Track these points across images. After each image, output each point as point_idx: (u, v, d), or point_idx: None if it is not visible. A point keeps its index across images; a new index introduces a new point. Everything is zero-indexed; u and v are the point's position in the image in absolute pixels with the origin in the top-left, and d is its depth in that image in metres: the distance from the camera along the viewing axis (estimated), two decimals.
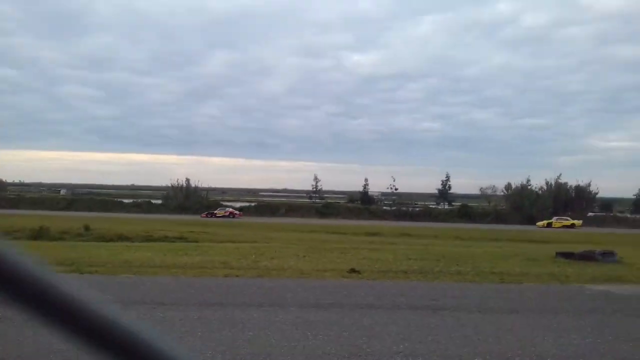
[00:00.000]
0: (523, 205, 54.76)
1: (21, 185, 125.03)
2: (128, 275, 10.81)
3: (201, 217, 50.67)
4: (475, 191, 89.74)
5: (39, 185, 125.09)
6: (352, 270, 12.12)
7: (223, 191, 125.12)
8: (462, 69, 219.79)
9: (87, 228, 25.95)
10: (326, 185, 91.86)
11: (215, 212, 53.10)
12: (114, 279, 10.29)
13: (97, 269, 11.27)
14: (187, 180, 64.40)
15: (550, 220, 51.28)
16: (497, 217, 54.77)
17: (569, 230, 43.43)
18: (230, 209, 54.73)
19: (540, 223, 51.29)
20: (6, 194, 77.41)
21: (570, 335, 7.07)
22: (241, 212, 55.90)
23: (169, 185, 65.30)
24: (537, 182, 62.80)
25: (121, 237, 23.11)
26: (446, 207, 72.45)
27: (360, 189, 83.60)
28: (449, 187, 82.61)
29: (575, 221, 51.08)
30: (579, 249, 17.16)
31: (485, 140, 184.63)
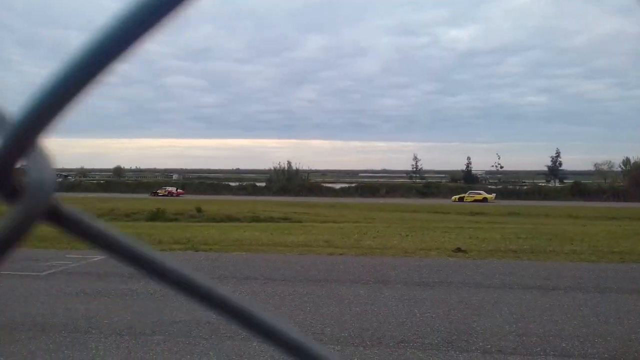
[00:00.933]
0: None
1: (137, 171, 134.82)
2: (240, 252, 11.34)
3: (149, 195, 53.38)
4: (588, 167, 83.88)
5: (153, 171, 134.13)
6: (458, 250, 11.86)
7: (323, 173, 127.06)
8: (567, 39, 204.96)
9: (198, 210, 27.50)
10: (426, 164, 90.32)
11: (157, 191, 55.91)
12: (226, 256, 10.84)
13: (211, 247, 11.92)
14: (289, 163, 66.20)
15: (462, 195, 51.23)
16: (615, 194, 50.96)
17: None
18: (169, 189, 56.87)
19: (454, 197, 51.41)
20: (125, 179, 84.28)
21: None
22: (182, 191, 57.58)
23: (271, 168, 67.54)
24: None
25: (230, 218, 24.25)
26: (557, 184, 68.56)
27: (462, 167, 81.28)
28: (560, 164, 78.03)
29: (488, 195, 50.60)
30: None
31: (597, 113, 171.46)
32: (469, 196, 50.58)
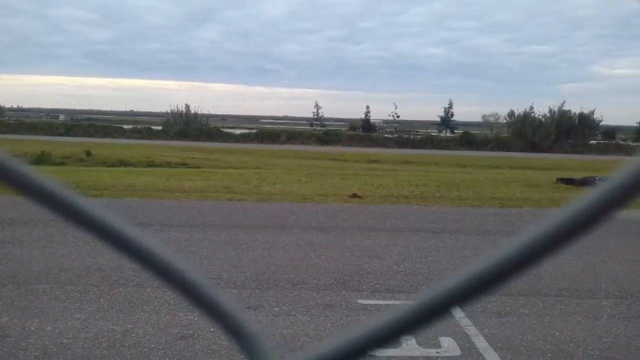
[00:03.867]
0: (525, 133, 54.52)
1: (19, 110, 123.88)
2: (133, 198, 10.94)
3: None
4: (478, 119, 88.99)
5: (38, 111, 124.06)
6: (354, 195, 12.24)
7: (223, 118, 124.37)
8: None
9: (88, 153, 25.99)
10: (328, 112, 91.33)
11: None
12: (119, 202, 10.42)
13: (102, 192, 11.38)
14: (187, 106, 63.77)
15: None
16: (500, 144, 54.72)
17: (573, 157, 43.56)
18: None
19: None
20: (4, 119, 76.96)
21: (566, 256, 7.23)
22: None
23: (169, 111, 64.78)
24: (541, 110, 62.05)
25: (123, 163, 23.20)
26: (448, 134, 72.27)
27: (362, 116, 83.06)
28: (452, 115, 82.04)
29: None
30: (580, 175, 17.23)
31: (490, 67, 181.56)
32: None
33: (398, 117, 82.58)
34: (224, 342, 4.17)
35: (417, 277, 6.05)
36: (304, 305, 5.06)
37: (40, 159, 22.77)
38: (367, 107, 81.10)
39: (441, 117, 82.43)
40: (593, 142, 55.09)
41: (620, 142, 57.63)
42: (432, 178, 17.61)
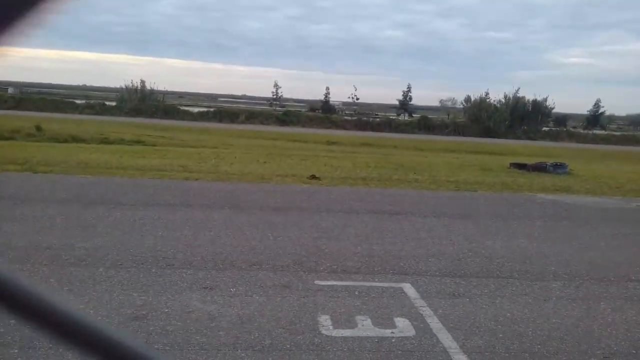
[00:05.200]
0: (481, 118, 55.61)
1: None
2: (85, 175, 10.61)
3: None
4: (435, 103, 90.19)
5: None
6: (312, 177, 12.24)
7: (180, 95, 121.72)
8: None
9: (38, 128, 24.98)
10: (287, 93, 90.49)
11: None
12: (70, 179, 10.09)
13: (52, 169, 10.99)
14: (142, 82, 61.98)
15: None
16: (456, 129, 55.63)
17: (526, 143, 44.77)
18: None
19: None
20: None
21: (518, 239, 7.45)
22: None
23: (123, 87, 62.85)
24: (497, 96, 63.31)
25: (75, 139, 22.41)
26: (406, 118, 72.98)
27: (322, 97, 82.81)
28: (410, 99, 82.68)
29: None
30: (532, 161, 17.73)
31: (447, 52, 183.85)
32: None
33: (357, 99, 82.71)
34: (179, 323, 4.11)
35: (374, 259, 6.10)
36: (261, 286, 5.03)
37: None
38: (327, 88, 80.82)
39: (400, 101, 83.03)
40: (545, 128, 56.73)
41: (572, 129, 59.56)
42: (390, 161, 17.78)
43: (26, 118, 29.33)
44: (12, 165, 11.07)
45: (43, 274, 5.02)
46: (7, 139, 20.90)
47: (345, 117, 66.34)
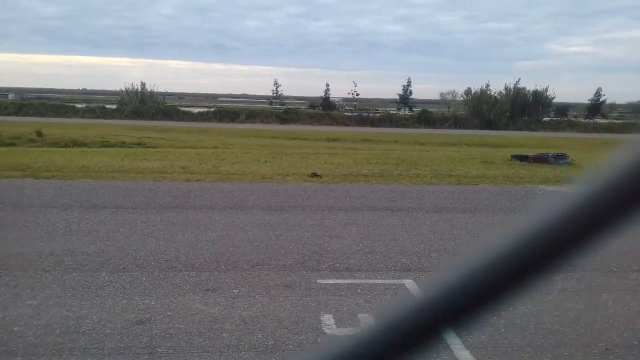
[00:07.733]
0: (481, 110, 55.49)
1: None
2: (86, 180, 10.63)
3: None
4: (435, 97, 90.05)
5: None
6: (314, 175, 12.24)
7: (180, 96, 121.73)
8: None
9: (39, 133, 25.03)
10: (287, 90, 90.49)
11: None
12: (71, 184, 10.11)
13: (54, 174, 11.02)
14: (142, 84, 62.06)
15: None
16: (456, 122, 55.55)
17: (527, 134, 44.74)
18: None
19: None
20: None
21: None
22: None
23: (123, 90, 62.94)
24: (498, 87, 63.17)
25: (76, 143, 22.47)
26: (407, 112, 72.89)
27: (322, 94, 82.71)
28: (410, 93, 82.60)
29: None
30: (534, 152, 17.69)
31: (449, 45, 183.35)
32: None
33: (357, 95, 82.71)
34: (182, 326, 4.12)
35: (376, 256, 6.11)
36: (264, 286, 5.05)
37: None
38: (327, 85, 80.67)
39: (400, 95, 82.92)
40: (546, 119, 56.60)
41: (572, 118, 59.41)
42: (391, 156, 17.76)
43: (27, 124, 29.40)
44: (13, 171, 11.10)
45: (46, 280, 5.04)
46: (8, 145, 20.96)
47: (346, 113, 66.26)
